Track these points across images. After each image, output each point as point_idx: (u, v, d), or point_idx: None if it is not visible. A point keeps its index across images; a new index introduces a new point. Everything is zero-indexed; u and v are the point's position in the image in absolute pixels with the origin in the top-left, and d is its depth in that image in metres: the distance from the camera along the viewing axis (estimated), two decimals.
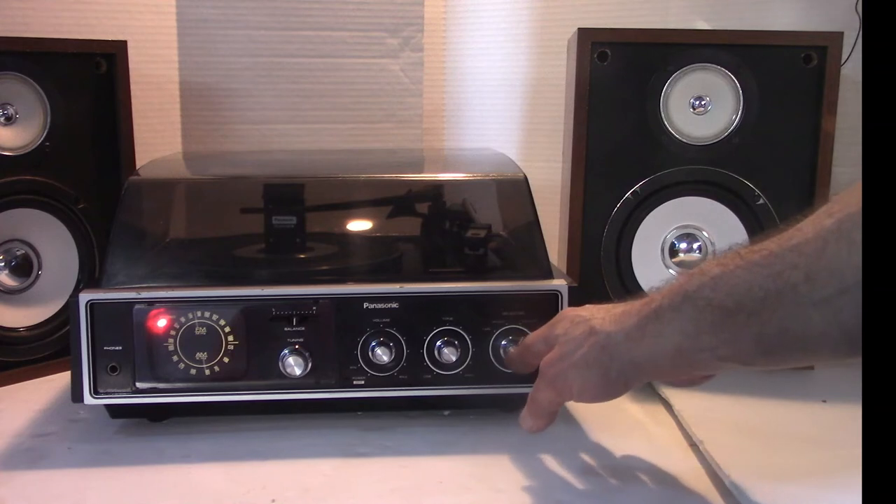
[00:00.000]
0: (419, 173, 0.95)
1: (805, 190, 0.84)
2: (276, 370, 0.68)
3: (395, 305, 0.69)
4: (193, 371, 0.67)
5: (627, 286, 0.86)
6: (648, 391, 0.79)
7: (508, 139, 1.16)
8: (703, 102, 0.83)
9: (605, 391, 0.57)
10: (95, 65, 0.89)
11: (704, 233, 0.85)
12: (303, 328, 0.68)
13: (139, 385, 0.67)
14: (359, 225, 0.84)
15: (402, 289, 0.69)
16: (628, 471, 0.64)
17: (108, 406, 0.71)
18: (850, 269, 0.44)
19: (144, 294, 0.67)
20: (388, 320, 0.68)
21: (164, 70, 1.07)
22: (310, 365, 0.68)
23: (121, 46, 0.90)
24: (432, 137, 1.19)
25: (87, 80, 0.89)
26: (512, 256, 0.77)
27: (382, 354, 0.68)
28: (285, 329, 0.68)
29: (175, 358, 0.67)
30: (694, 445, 0.69)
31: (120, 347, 0.67)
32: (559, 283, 0.70)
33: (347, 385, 0.69)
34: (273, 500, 0.60)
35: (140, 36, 1.03)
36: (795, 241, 0.47)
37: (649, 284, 0.86)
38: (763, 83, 0.82)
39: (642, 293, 0.57)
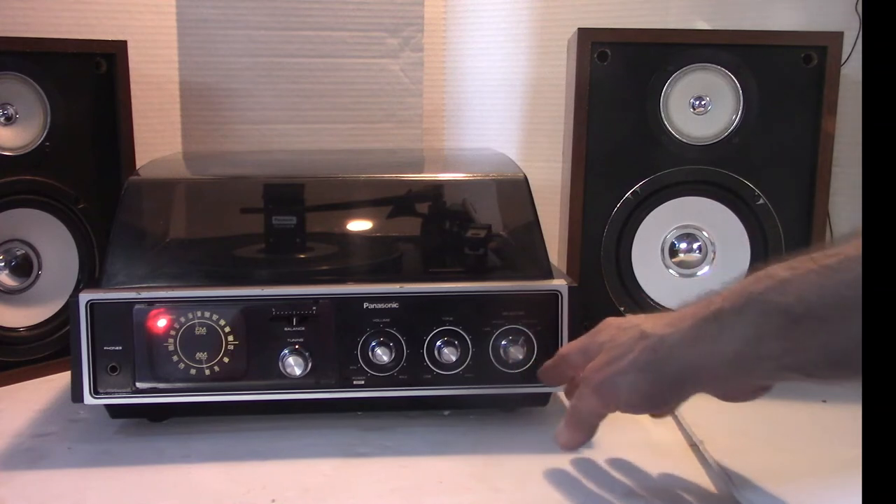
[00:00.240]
0: (419, 173, 0.95)
1: (805, 190, 0.84)
2: (276, 370, 0.68)
3: (395, 305, 0.68)
4: (193, 371, 0.67)
5: (627, 286, 0.86)
6: None
7: (508, 139, 1.16)
8: (703, 102, 0.83)
9: (656, 399, 0.54)
10: (95, 65, 0.89)
11: (704, 233, 0.85)
12: (303, 328, 0.68)
13: (139, 385, 0.67)
14: (359, 225, 0.84)
15: (402, 289, 0.69)
16: (628, 471, 0.64)
17: (108, 406, 0.71)
18: None
19: (144, 294, 0.67)
20: (388, 320, 0.68)
21: (164, 70, 1.07)
22: (310, 365, 0.68)
23: (121, 46, 0.90)
24: (432, 137, 1.19)
25: (87, 80, 0.89)
26: (512, 256, 0.77)
27: (382, 354, 0.68)
28: (285, 329, 0.68)
29: (175, 358, 0.67)
30: (694, 445, 0.69)
31: (120, 347, 0.67)
32: (559, 283, 0.70)
33: (347, 385, 0.69)
34: (273, 500, 0.60)
35: (140, 36, 1.03)
36: None
37: (649, 284, 0.86)
38: (763, 83, 0.82)
39: (699, 298, 0.53)
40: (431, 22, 1.16)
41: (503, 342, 0.69)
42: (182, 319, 0.67)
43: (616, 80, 0.83)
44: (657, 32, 0.85)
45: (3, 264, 0.84)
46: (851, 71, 0.89)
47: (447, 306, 0.69)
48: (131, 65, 0.92)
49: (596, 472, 0.64)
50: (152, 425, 0.72)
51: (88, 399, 0.67)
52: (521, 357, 0.69)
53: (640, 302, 0.86)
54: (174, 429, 0.72)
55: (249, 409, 0.73)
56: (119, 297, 0.67)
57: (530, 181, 0.77)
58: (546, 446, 0.68)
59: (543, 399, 0.74)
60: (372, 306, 0.68)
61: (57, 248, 0.87)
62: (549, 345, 0.69)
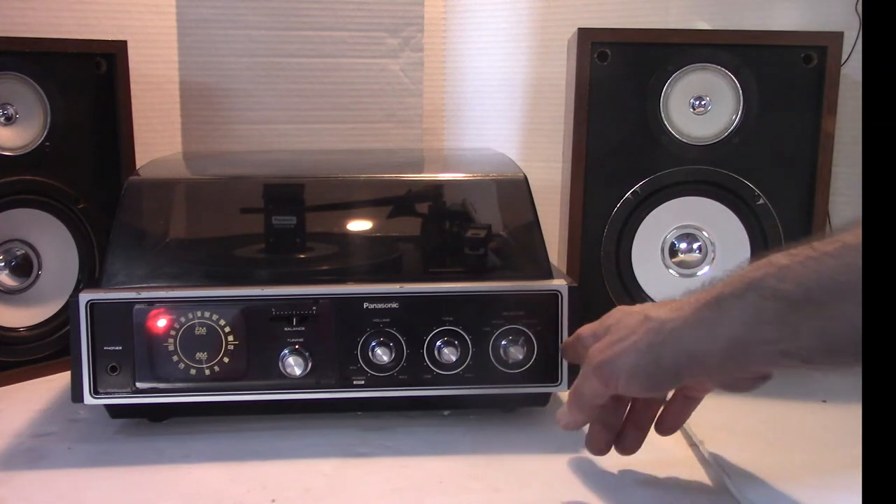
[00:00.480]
0: (419, 173, 0.95)
1: (805, 190, 0.84)
2: (276, 370, 0.68)
3: (395, 305, 0.68)
4: (193, 371, 0.67)
5: (627, 286, 0.86)
6: None
7: (508, 139, 1.16)
8: (703, 102, 0.83)
9: (655, 381, 0.54)
10: (95, 65, 0.89)
11: (704, 233, 0.85)
12: (303, 328, 0.68)
13: (139, 385, 0.67)
14: (359, 225, 0.84)
15: (402, 289, 0.69)
16: (628, 471, 0.64)
17: (108, 406, 0.71)
18: None
19: (144, 294, 0.67)
20: (388, 320, 0.68)
21: (164, 70, 1.07)
22: (310, 365, 0.68)
23: (121, 46, 0.90)
24: (432, 137, 1.19)
25: (87, 80, 0.89)
26: (512, 256, 0.77)
27: (382, 354, 0.68)
28: (285, 329, 0.68)
29: (175, 358, 0.67)
30: (694, 445, 0.69)
31: (120, 347, 0.67)
32: (559, 283, 0.70)
33: (347, 385, 0.69)
34: (273, 500, 0.60)
35: (140, 36, 1.03)
36: None
37: (649, 284, 0.86)
38: (763, 83, 0.82)
39: (702, 286, 0.54)
40: (431, 22, 1.16)
41: (503, 342, 0.69)
42: (182, 319, 0.67)
43: (616, 80, 0.83)
44: (657, 32, 0.85)
45: (3, 264, 0.84)
46: (851, 71, 0.89)
47: (447, 306, 0.69)
48: (131, 65, 0.92)
49: (596, 472, 0.64)
50: (152, 425, 0.72)
51: (88, 399, 0.67)
52: (521, 357, 0.69)
53: (640, 302, 0.86)
54: (174, 429, 0.72)
55: (249, 409, 0.73)
56: (119, 297, 0.67)
57: (530, 181, 0.77)
58: (546, 446, 0.68)
59: (543, 399, 0.74)
60: (372, 306, 0.68)
61: (57, 248, 0.87)
62: (549, 345, 0.69)
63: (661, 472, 0.64)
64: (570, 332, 0.69)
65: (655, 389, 0.56)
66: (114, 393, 0.68)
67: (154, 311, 0.67)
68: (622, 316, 0.58)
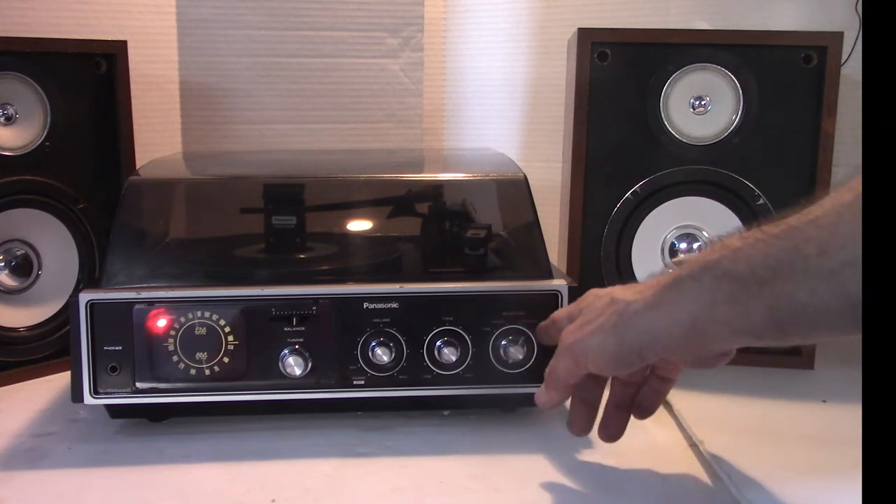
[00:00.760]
0: (419, 173, 0.95)
1: (805, 190, 0.84)
2: (276, 370, 0.68)
3: (395, 305, 0.69)
4: (193, 371, 0.67)
5: None
6: None
7: (508, 139, 1.16)
8: (703, 102, 0.83)
9: (620, 360, 0.56)
10: (95, 65, 0.89)
11: (704, 233, 0.85)
12: (303, 328, 0.68)
13: (139, 385, 0.67)
14: (359, 225, 0.84)
15: (402, 289, 0.69)
16: (628, 471, 0.64)
17: (108, 406, 0.71)
18: (859, 243, 0.44)
19: (144, 294, 0.67)
20: (388, 320, 0.68)
21: (164, 70, 1.08)
22: (310, 365, 0.68)
23: (121, 46, 0.90)
24: (432, 137, 1.19)
25: (87, 80, 0.89)
26: (512, 256, 0.77)
27: (382, 354, 0.68)
28: (285, 329, 0.68)
29: (175, 358, 0.67)
30: (694, 445, 0.69)
31: (120, 347, 0.67)
32: (559, 283, 0.70)
33: (347, 385, 0.69)
34: (273, 500, 0.60)
35: (140, 36, 1.03)
36: (813, 215, 0.48)
37: None
38: (763, 83, 0.82)
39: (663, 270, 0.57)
40: (431, 22, 1.16)
41: (503, 342, 0.69)
42: (182, 319, 0.67)
43: (616, 80, 0.83)
44: (657, 32, 0.85)
45: (3, 264, 0.84)
46: (851, 71, 0.89)
47: (447, 306, 0.69)
48: (131, 65, 0.92)
49: (596, 472, 0.64)
50: (152, 425, 0.72)
51: (88, 399, 0.67)
52: (520, 357, 0.69)
53: None
54: (174, 429, 0.72)
55: (249, 409, 0.73)
56: (119, 297, 0.67)
57: (530, 181, 0.77)
58: (546, 446, 0.68)
59: None
60: (372, 306, 0.68)
61: (57, 248, 0.87)
62: (549, 345, 0.69)
63: (661, 472, 0.64)
64: None
65: (622, 367, 0.58)
66: (114, 393, 0.68)
67: (154, 311, 0.67)
68: (593, 299, 0.61)
